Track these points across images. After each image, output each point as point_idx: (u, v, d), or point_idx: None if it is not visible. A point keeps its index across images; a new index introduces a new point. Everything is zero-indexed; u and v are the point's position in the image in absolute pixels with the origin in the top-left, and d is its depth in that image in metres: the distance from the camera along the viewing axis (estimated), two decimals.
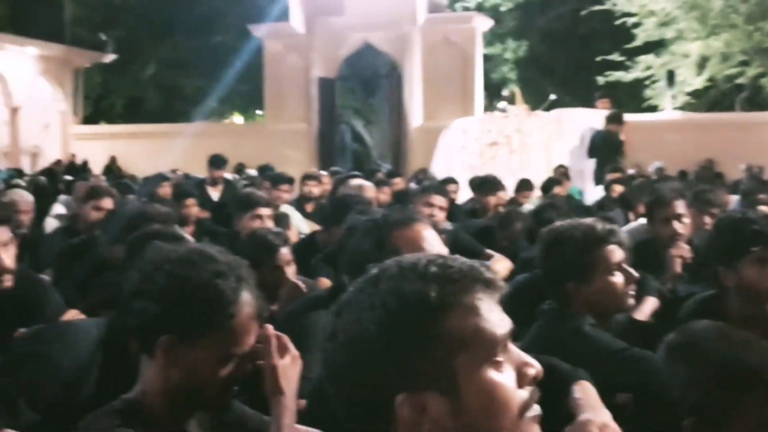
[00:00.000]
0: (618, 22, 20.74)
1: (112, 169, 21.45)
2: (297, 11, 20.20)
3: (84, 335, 2.44)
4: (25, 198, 5.95)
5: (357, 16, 19.49)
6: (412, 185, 9.70)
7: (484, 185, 7.42)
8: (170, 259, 1.74)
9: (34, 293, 3.15)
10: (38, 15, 26.33)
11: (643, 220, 4.94)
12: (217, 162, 9.24)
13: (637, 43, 20.79)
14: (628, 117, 12.22)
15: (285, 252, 3.63)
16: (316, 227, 5.80)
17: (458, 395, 1.10)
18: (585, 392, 2.08)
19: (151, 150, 21.27)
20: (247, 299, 1.73)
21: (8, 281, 2.93)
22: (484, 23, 20.25)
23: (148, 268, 1.75)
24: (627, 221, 5.90)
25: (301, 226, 6.33)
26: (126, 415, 1.70)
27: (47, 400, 2.29)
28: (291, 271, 3.61)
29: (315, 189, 7.94)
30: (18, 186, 8.71)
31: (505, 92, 23.45)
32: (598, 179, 10.81)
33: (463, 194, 9.15)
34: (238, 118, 34.15)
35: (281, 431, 1.76)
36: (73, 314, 3.19)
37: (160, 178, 9.53)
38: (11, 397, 2.29)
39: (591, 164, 11.73)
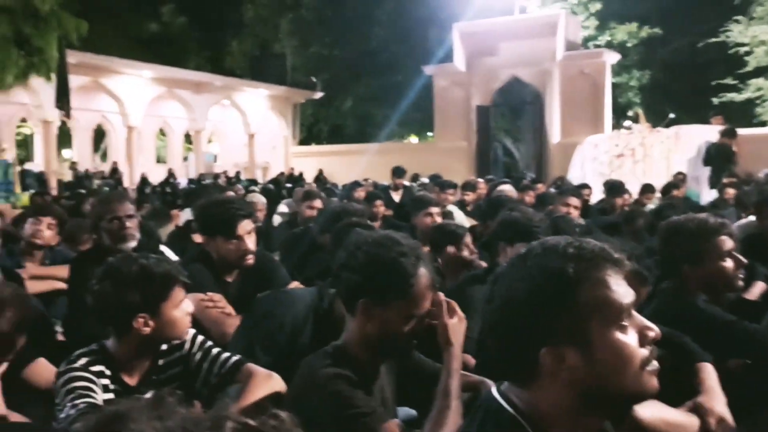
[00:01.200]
0: (731, 51, 19.29)
1: (320, 178, 22.26)
2: (459, 54, 20.17)
3: (301, 300, 2.55)
4: (260, 200, 6.28)
5: (508, 55, 19.23)
6: (552, 190, 9.45)
7: (613, 189, 7.14)
8: (367, 241, 1.78)
9: (268, 268, 3.24)
10: (269, 65, 27.77)
11: (752, 218, 4.59)
12: (398, 172, 9.37)
13: (749, 68, 19.32)
14: (740, 131, 11.26)
15: (468, 241, 3.70)
16: (474, 222, 5.78)
17: (591, 350, 1.10)
18: (708, 374, 1.99)
19: (348, 164, 21.89)
20: (424, 273, 1.75)
21: (251, 260, 3.05)
22: (612, 57, 19.35)
23: (351, 248, 1.79)
24: (740, 219, 5.49)
25: (463, 221, 6.33)
26: (334, 357, 1.77)
27: (276, 347, 2.40)
28: (467, 254, 3.67)
29: (469, 196, 7.85)
30: (255, 192, 9.22)
31: (630, 113, 22.26)
32: (713, 184, 10.02)
33: (595, 197, 8.83)
34: (413, 139, 34.45)
35: (450, 375, 1.77)
36: (294, 284, 3.31)
37: (355, 184, 9.77)
38: (250, 345, 2.43)
39: (706, 171, 10.90)
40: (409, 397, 2.08)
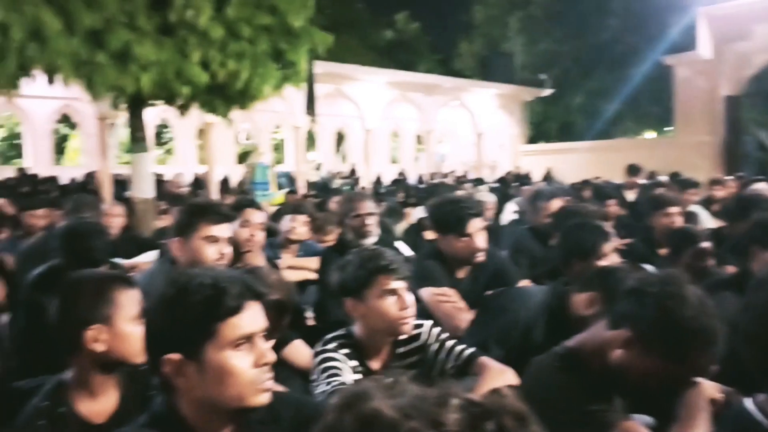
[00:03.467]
0: None
1: (547, 177, 21.80)
2: (705, 40, 18.49)
3: (535, 297, 2.55)
4: (490, 199, 6.35)
5: (763, 39, 17.18)
6: None
7: None
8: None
9: (499, 266, 3.29)
10: (497, 64, 27.77)
11: None
12: (632, 170, 8.92)
13: None
14: None
15: (707, 245, 3.45)
16: (721, 224, 5.30)
17: None
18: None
19: (577, 162, 21.17)
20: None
21: (481, 257, 3.12)
22: None
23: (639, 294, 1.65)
24: None
25: (707, 223, 5.83)
26: (565, 359, 1.74)
27: (509, 342, 2.43)
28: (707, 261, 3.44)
29: (720, 192, 7.23)
30: (482, 190, 9.32)
31: None
32: None
33: None
34: (649, 134, 32.30)
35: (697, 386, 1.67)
36: (525, 282, 3.33)
37: (585, 183, 9.47)
38: (484, 338, 2.49)
39: None
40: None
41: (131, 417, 1.62)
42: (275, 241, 4.41)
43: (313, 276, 3.85)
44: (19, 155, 22.14)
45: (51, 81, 7.40)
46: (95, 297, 1.78)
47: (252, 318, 1.34)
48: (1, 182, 16.06)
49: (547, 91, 27.79)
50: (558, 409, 1.61)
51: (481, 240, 3.11)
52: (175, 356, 1.30)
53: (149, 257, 4.17)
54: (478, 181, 17.73)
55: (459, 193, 6.11)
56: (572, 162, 22.01)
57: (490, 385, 1.98)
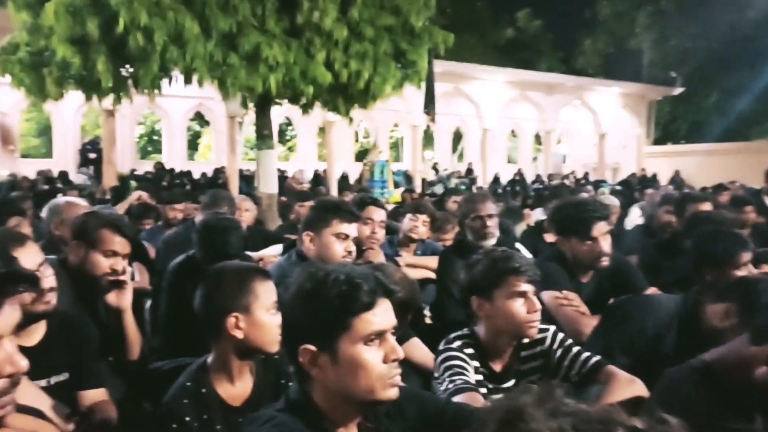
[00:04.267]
0: None
1: (675, 180, 20.72)
2: None
3: (664, 306, 2.45)
4: (614, 202, 6.12)
5: None
6: None
7: None
8: None
9: (624, 272, 3.19)
10: (623, 62, 26.70)
11: None
12: None
13: None
14: None
15: None
16: None
17: None
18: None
19: (710, 165, 19.98)
20: None
21: (606, 261, 2.99)
22: None
23: None
24: None
25: None
26: (703, 374, 1.65)
27: (635, 351, 2.34)
28: None
29: None
30: (604, 194, 9.00)
31: None
32: None
33: None
34: None
35: None
36: (652, 290, 3.20)
37: (720, 188, 8.93)
38: (609, 346, 2.41)
39: None
40: None
41: (264, 403, 1.71)
42: (394, 239, 4.48)
43: (432, 275, 3.88)
44: (156, 151, 23.76)
45: (188, 81, 7.88)
46: (236, 287, 1.89)
47: (383, 314, 1.38)
48: (141, 175, 17.32)
49: (678, 90, 26.39)
50: (697, 425, 1.54)
51: (606, 244, 3.02)
52: (310, 347, 1.36)
53: (274, 251, 4.36)
54: (600, 184, 17.14)
55: (583, 195, 5.93)
56: (702, 165, 20.82)
57: (618, 396, 1.92)
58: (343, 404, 1.39)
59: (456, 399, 1.88)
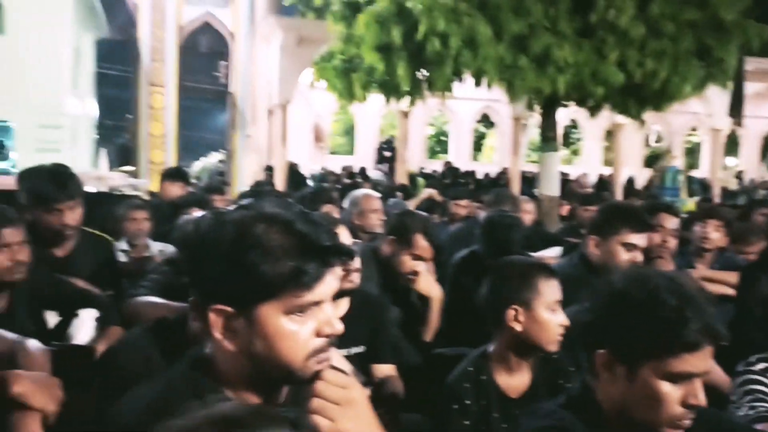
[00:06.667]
0: None
1: None
2: None
3: None
4: None
5: None
6: None
7: None
8: None
9: None
10: None
11: None
12: None
13: None
14: None
15: None
16: None
17: None
18: None
19: None
20: None
21: None
22: None
23: None
24: None
25: None
26: None
27: None
28: None
29: None
30: None
31: None
32: None
33: None
34: None
35: None
36: None
37: None
38: None
39: None
40: None
41: (540, 398, 1.72)
42: (687, 250, 4.13)
43: (731, 291, 3.50)
44: (443, 151, 24.90)
45: (478, 84, 8.14)
46: (520, 280, 1.93)
47: (700, 360, 1.26)
48: (428, 173, 18.35)
49: None
50: None
51: None
52: (606, 354, 1.31)
53: (553, 252, 4.31)
54: None
55: None
56: None
57: None
58: (629, 422, 1.31)
59: (759, 427, 1.69)
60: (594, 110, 8.70)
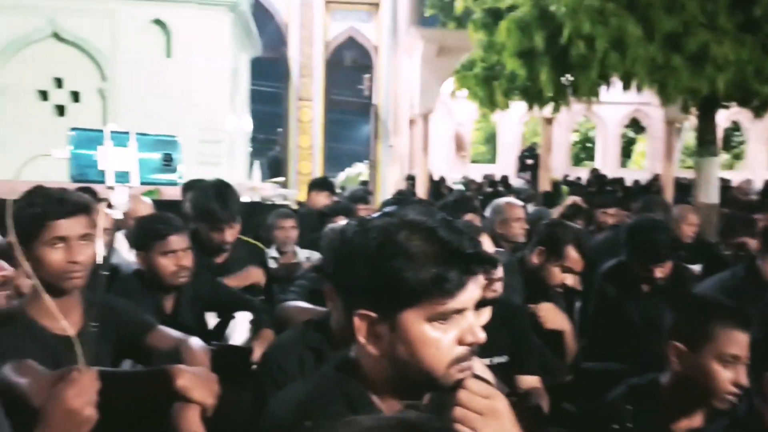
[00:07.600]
0: None
1: None
2: None
3: None
4: None
5: None
6: None
7: None
8: None
9: None
10: None
11: None
12: None
13: None
14: None
15: None
16: None
17: None
18: None
19: None
20: None
21: None
22: None
23: None
24: None
25: None
26: None
27: None
28: None
29: None
30: None
31: None
32: None
33: None
34: None
35: None
36: None
37: None
38: None
39: None
40: None
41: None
42: None
43: None
44: (589, 157, 23.98)
45: (626, 87, 7.78)
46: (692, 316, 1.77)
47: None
48: (572, 181, 17.75)
49: None
50: None
51: None
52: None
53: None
54: None
55: None
56: None
57: None
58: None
59: None
60: (759, 110, 8.06)
